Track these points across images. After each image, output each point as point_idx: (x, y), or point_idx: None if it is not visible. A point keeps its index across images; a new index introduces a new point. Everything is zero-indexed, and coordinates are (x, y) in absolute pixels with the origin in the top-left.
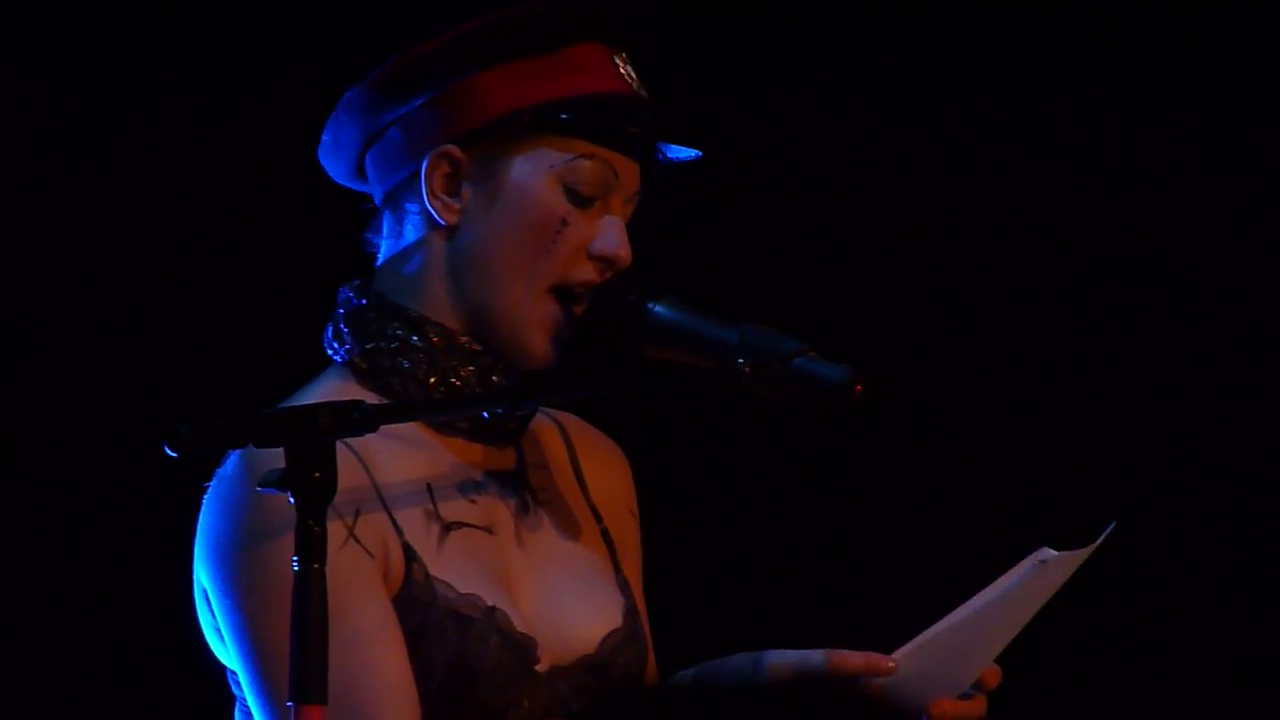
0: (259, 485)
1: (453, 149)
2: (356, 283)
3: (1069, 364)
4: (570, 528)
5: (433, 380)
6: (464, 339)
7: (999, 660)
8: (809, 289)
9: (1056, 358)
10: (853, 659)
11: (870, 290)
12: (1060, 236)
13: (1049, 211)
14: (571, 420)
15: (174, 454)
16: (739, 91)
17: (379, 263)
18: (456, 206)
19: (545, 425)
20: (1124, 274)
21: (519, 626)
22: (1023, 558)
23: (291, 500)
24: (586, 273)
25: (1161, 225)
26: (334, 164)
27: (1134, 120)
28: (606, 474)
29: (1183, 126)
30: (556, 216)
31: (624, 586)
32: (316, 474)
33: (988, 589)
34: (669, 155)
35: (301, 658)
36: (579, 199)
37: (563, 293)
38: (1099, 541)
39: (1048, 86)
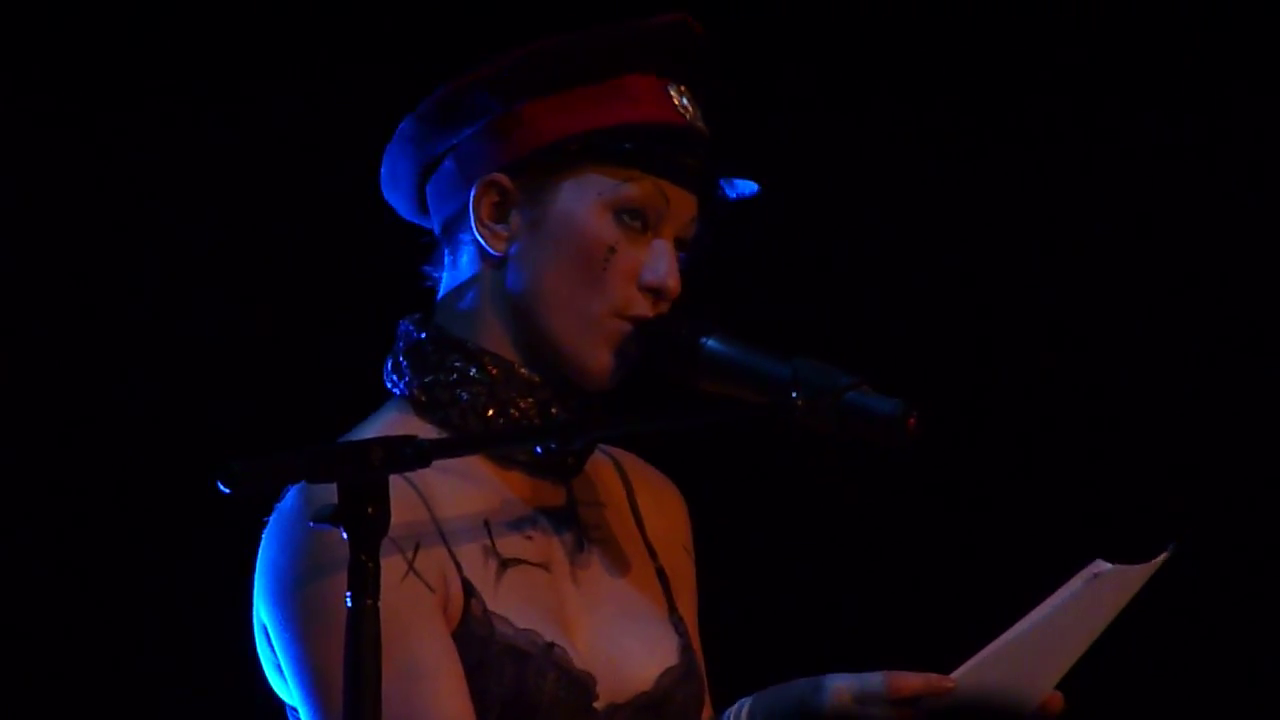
0: (312, 521)
1: (500, 177)
2: (416, 316)
3: (1131, 382)
4: (625, 565)
5: (491, 412)
6: (523, 370)
7: (1063, 685)
8: (862, 322)
9: (1117, 375)
10: (911, 679)
11: (923, 318)
12: (1122, 259)
13: (1110, 236)
14: (628, 458)
15: (226, 490)
16: (791, 121)
17: (439, 296)
18: (505, 234)
19: (602, 462)
20: (1185, 298)
21: (577, 663)
22: (1077, 571)
23: (345, 535)
24: (639, 306)
25: (1235, 251)
26: (395, 198)
27: (1191, 151)
28: (662, 511)
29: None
30: (604, 244)
31: (678, 624)
32: (370, 509)
33: (1043, 604)
34: (726, 189)
35: (355, 694)
36: (627, 225)
37: (620, 318)
38: (1161, 559)
39: (1116, 120)
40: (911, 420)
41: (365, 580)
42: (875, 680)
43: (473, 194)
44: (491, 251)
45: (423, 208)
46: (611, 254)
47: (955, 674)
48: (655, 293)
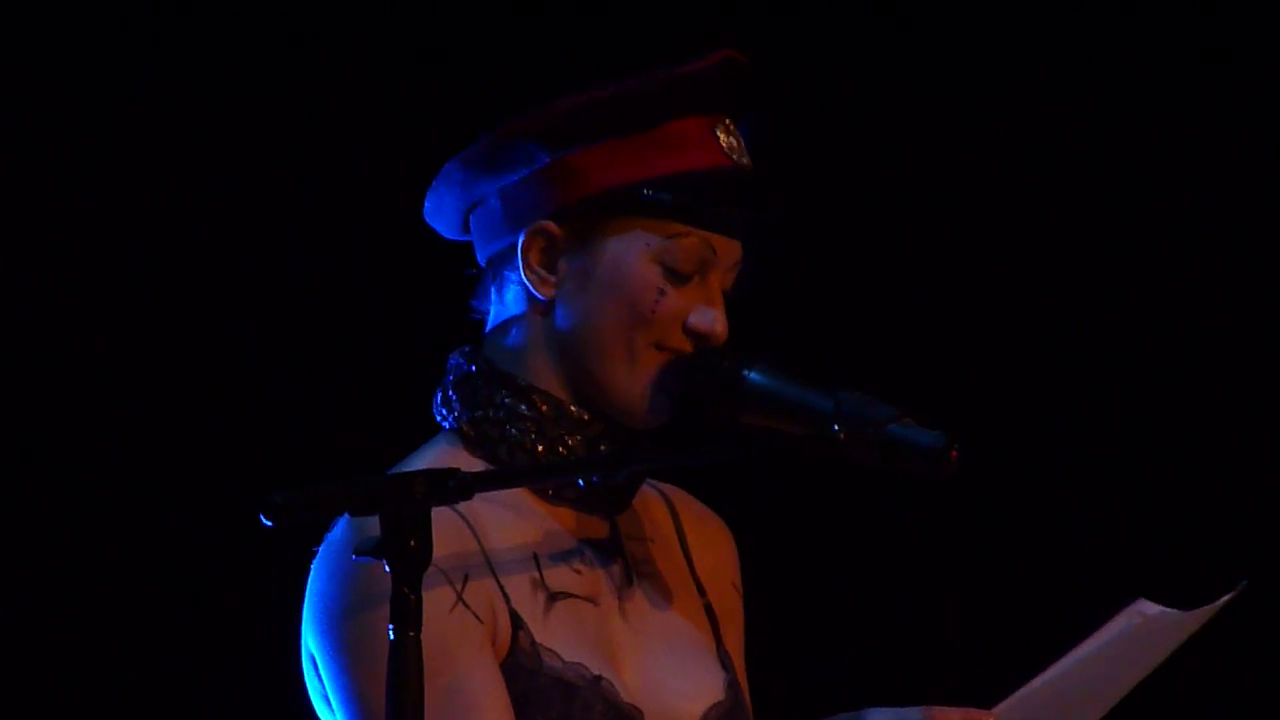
0: (354, 553)
1: (548, 225)
2: (466, 349)
3: (1184, 414)
4: (673, 600)
5: (540, 449)
6: (573, 408)
7: None
8: (906, 354)
9: (1171, 406)
10: (951, 715)
11: (968, 351)
12: (1177, 286)
13: (1152, 257)
14: (677, 493)
15: (269, 522)
16: (838, 155)
17: (486, 329)
18: (553, 280)
19: (651, 497)
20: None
21: (624, 696)
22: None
23: (387, 568)
24: (680, 342)
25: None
26: (440, 224)
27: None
28: (711, 547)
29: None
30: (653, 289)
31: (725, 660)
32: (412, 542)
33: (1086, 641)
34: (769, 224)
35: None
36: (675, 276)
37: (663, 349)
38: (1220, 604)
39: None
40: (954, 452)
41: (407, 612)
42: (914, 716)
43: (521, 240)
44: (539, 296)
45: (466, 231)
46: (661, 296)
47: (996, 710)
48: (701, 338)
